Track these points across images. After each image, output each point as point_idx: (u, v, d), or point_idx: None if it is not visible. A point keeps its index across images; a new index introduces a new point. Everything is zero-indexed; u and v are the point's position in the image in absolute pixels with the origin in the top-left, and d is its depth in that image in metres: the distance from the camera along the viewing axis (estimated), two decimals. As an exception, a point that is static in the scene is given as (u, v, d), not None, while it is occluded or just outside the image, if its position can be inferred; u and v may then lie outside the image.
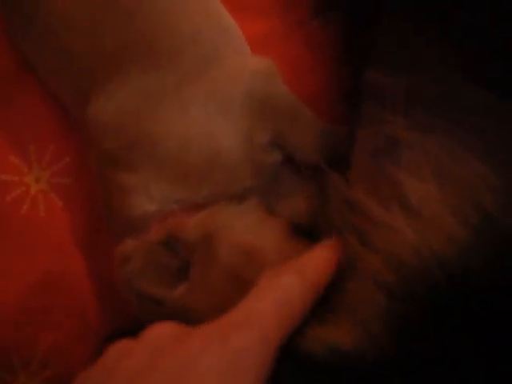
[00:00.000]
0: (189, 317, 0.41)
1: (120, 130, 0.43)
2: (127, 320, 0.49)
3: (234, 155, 0.43)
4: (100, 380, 0.34)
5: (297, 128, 0.45)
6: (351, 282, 0.39)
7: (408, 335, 0.34)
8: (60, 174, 0.51)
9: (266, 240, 0.43)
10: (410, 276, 0.35)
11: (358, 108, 0.46)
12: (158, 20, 0.42)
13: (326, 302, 0.40)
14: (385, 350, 0.34)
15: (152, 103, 0.42)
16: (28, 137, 0.51)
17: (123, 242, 0.43)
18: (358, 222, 0.41)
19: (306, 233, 0.45)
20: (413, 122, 0.41)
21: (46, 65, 0.47)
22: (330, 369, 0.35)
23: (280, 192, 0.46)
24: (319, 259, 0.38)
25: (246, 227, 0.43)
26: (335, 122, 0.48)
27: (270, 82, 0.45)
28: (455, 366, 0.33)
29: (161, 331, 0.35)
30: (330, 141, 0.46)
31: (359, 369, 0.34)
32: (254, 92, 0.43)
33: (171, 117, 0.42)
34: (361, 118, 0.46)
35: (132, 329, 0.50)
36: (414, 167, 0.40)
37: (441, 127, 0.40)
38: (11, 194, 0.50)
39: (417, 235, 0.37)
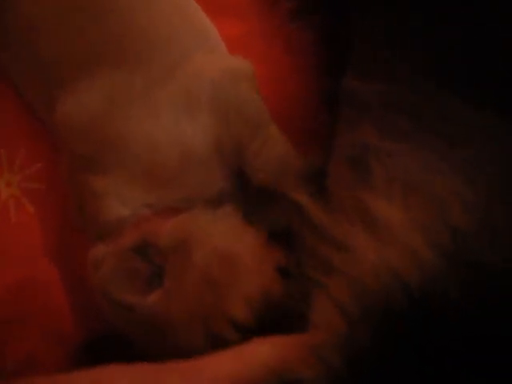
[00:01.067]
0: (160, 324, 0.41)
1: (88, 134, 0.42)
2: (103, 326, 0.48)
3: (204, 156, 0.42)
4: None
5: (260, 140, 0.44)
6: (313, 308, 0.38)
7: (367, 367, 0.32)
8: (31, 179, 0.49)
9: (241, 246, 0.42)
10: (370, 301, 0.33)
11: (337, 113, 0.46)
12: (128, 20, 0.42)
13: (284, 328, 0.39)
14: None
15: (120, 106, 0.42)
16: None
17: (95, 247, 0.41)
18: (320, 245, 0.40)
19: (282, 240, 0.45)
20: (387, 132, 0.40)
21: (15, 68, 0.47)
22: None
23: (256, 201, 0.46)
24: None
25: (223, 233, 0.42)
26: (315, 126, 0.48)
27: (240, 83, 0.44)
28: None
29: None
30: (289, 168, 0.45)
31: None
32: (221, 90, 0.43)
33: (140, 119, 0.41)
34: (339, 124, 0.45)
35: (108, 335, 0.49)
36: (383, 182, 0.38)
37: (416, 137, 0.39)
38: (-19, 199, 0.49)
39: (378, 256, 0.35)
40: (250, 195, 0.45)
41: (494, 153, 0.37)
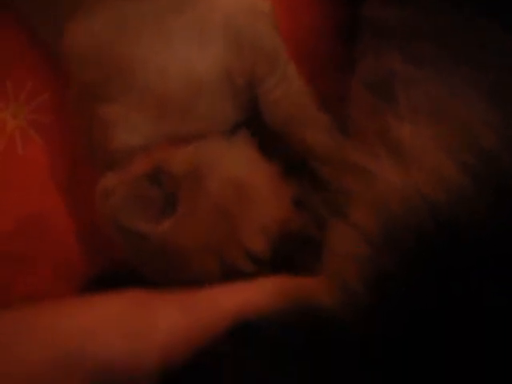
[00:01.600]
0: (173, 253, 0.40)
1: (97, 62, 0.40)
2: (111, 261, 0.47)
3: (214, 87, 0.41)
4: None
5: (274, 72, 0.42)
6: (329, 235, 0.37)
7: (390, 292, 0.31)
8: (39, 111, 0.48)
9: (257, 176, 0.41)
10: (395, 224, 0.32)
11: (355, 42, 0.44)
12: None
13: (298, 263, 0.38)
14: (364, 311, 0.31)
15: (131, 34, 0.40)
16: (4, 72, 0.48)
17: (104, 177, 0.40)
18: (339, 173, 0.39)
19: (297, 173, 0.44)
20: (412, 58, 0.39)
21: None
22: (302, 328, 0.32)
23: (271, 134, 0.44)
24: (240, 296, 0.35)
25: (237, 162, 0.41)
26: (331, 56, 0.46)
27: (257, 18, 0.42)
28: (442, 322, 0.30)
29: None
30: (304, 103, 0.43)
31: (335, 328, 0.31)
32: (236, 24, 0.41)
33: (151, 47, 0.40)
34: (360, 51, 0.44)
35: (117, 270, 0.48)
36: (408, 107, 0.37)
37: (442, 63, 0.38)
38: (-13, 131, 0.48)
39: (405, 180, 0.34)
40: (265, 128, 0.44)
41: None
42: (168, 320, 0.33)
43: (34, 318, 0.31)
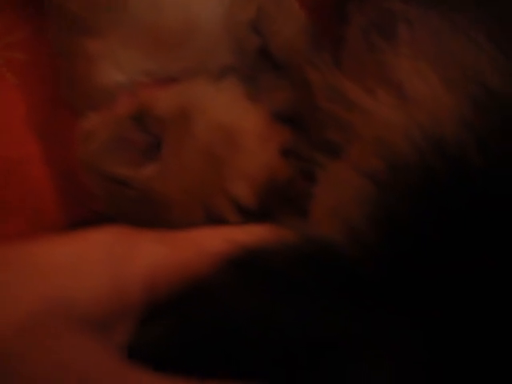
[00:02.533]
0: (156, 200, 0.38)
1: None
2: (87, 211, 0.45)
3: (211, 27, 0.39)
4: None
5: (280, 15, 0.41)
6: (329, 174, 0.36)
7: (397, 230, 0.30)
8: (14, 49, 0.45)
9: (245, 122, 0.39)
10: (399, 161, 0.31)
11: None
12: None
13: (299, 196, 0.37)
14: (369, 248, 0.30)
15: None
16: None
17: (87, 117, 0.38)
18: (340, 110, 0.38)
19: (286, 122, 0.42)
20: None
21: None
22: (307, 260, 0.31)
23: (261, 84, 0.42)
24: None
25: (226, 106, 0.39)
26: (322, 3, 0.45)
27: None
28: (450, 261, 0.29)
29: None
30: (308, 40, 0.42)
31: (338, 263, 0.31)
32: None
33: None
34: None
35: (91, 220, 0.46)
36: (409, 43, 0.36)
37: (446, 3, 0.37)
38: (-46, 69, 0.45)
39: (406, 117, 0.33)
40: (256, 73, 0.42)
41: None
42: (151, 253, 0.31)
43: (7, 257, 0.29)
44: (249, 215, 0.39)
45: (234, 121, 0.39)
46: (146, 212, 0.38)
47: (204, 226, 0.37)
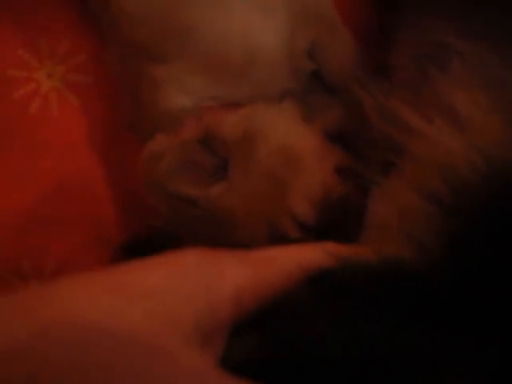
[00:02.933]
0: (222, 218, 0.40)
1: (151, 19, 0.40)
2: (143, 227, 0.47)
3: (273, 54, 0.41)
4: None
5: (334, 41, 0.43)
6: (384, 191, 0.38)
7: (463, 250, 0.31)
8: (75, 71, 0.47)
9: (303, 142, 0.41)
10: (463, 185, 0.33)
11: (395, 16, 0.44)
12: None
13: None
14: (437, 267, 0.32)
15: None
16: (39, 30, 0.47)
17: (154, 139, 0.40)
18: (394, 132, 0.39)
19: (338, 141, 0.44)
20: (465, 29, 0.39)
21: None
22: (387, 281, 0.33)
23: (312, 105, 0.44)
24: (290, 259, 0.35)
25: (285, 128, 0.41)
26: (368, 31, 0.46)
27: None
28: None
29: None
30: (359, 64, 0.44)
31: (414, 282, 0.32)
32: None
33: (210, 7, 0.39)
34: (401, 24, 0.44)
35: (150, 237, 0.48)
36: (464, 76, 0.38)
37: (493, 35, 0.38)
38: (19, 91, 0.47)
39: (465, 143, 0.35)
40: (308, 95, 0.44)
41: None
42: (236, 274, 0.33)
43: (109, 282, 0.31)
44: (308, 231, 0.41)
45: (293, 142, 0.40)
46: (211, 229, 0.40)
47: (270, 244, 0.39)
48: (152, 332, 0.28)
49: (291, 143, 0.40)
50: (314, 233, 0.41)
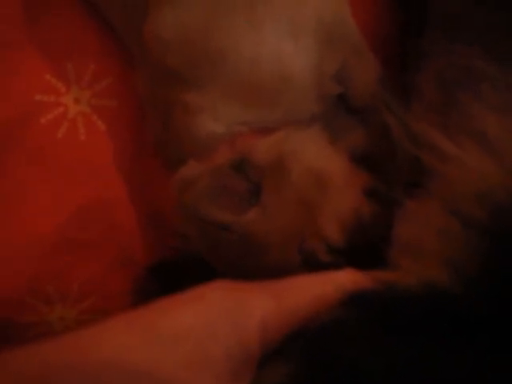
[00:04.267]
0: (255, 243, 0.40)
1: (184, 46, 0.40)
2: (169, 251, 0.47)
3: (304, 80, 0.41)
4: None
5: (360, 65, 0.44)
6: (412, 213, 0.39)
7: (503, 275, 0.32)
8: (102, 96, 0.47)
9: (332, 166, 0.41)
10: (501, 210, 0.33)
11: (421, 39, 0.45)
12: None
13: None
14: (478, 291, 0.32)
15: (221, 19, 0.40)
16: (66, 55, 0.47)
17: (186, 165, 0.40)
18: (422, 155, 0.40)
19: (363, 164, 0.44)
20: (493, 54, 0.40)
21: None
22: (426, 304, 0.33)
23: (337, 127, 0.45)
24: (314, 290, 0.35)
25: (315, 152, 0.41)
26: (393, 55, 0.47)
27: (341, 9, 0.43)
28: None
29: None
30: (385, 87, 0.45)
31: (454, 307, 0.32)
32: (325, 18, 0.41)
33: (241, 34, 0.40)
34: (427, 48, 0.44)
35: (174, 260, 0.48)
36: (494, 100, 0.38)
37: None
38: (47, 116, 0.47)
39: (499, 169, 0.35)
40: (335, 119, 0.44)
41: None
42: (261, 306, 0.33)
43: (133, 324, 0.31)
44: (338, 254, 0.41)
45: (322, 165, 0.41)
46: (244, 255, 0.40)
47: (298, 272, 0.39)
48: (189, 379, 0.29)
49: (321, 166, 0.41)
50: (344, 256, 0.41)
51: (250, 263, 0.40)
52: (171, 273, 0.48)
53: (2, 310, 0.46)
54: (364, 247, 0.41)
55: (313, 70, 0.41)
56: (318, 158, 0.41)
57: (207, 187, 0.39)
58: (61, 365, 0.29)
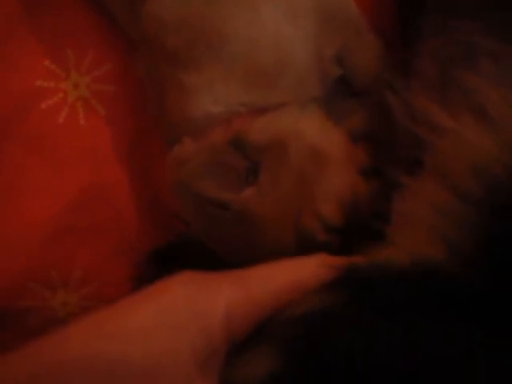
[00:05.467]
0: (251, 221, 0.39)
1: (183, 27, 0.40)
2: (167, 235, 0.47)
3: (302, 62, 0.41)
4: None
5: (361, 45, 0.44)
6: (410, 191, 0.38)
7: (500, 251, 0.31)
8: (102, 81, 0.47)
9: (331, 144, 0.41)
10: (497, 185, 0.33)
11: (419, 16, 0.44)
12: None
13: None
14: (472, 265, 0.31)
15: (219, 3, 0.40)
16: (65, 41, 0.47)
17: (182, 143, 0.40)
18: (422, 131, 0.39)
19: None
20: (492, 29, 0.39)
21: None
22: (417, 282, 0.32)
23: (337, 108, 0.44)
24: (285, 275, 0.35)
25: (314, 131, 0.41)
26: (392, 32, 0.46)
27: None
28: None
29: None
30: (384, 66, 0.44)
31: (446, 284, 0.32)
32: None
33: (240, 15, 0.40)
34: (425, 25, 0.44)
35: (172, 244, 0.48)
36: (493, 75, 0.38)
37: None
38: (47, 102, 0.47)
39: (495, 140, 0.35)
40: (335, 100, 0.44)
41: None
42: (227, 296, 0.33)
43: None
44: (334, 233, 0.40)
45: (320, 144, 0.40)
46: (240, 235, 0.40)
47: (298, 249, 0.39)
48: (153, 374, 0.29)
49: (318, 144, 0.40)
50: (339, 235, 0.41)
51: (245, 244, 0.40)
52: (171, 258, 0.48)
53: (3, 295, 0.46)
54: (360, 226, 0.41)
55: (312, 52, 0.41)
56: (316, 137, 0.41)
57: (204, 164, 0.39)
58: (23, 377, 0.29)
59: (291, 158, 0.39)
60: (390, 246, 0.36)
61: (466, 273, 0.32)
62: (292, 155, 0.39)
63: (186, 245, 0.47)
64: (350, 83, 0.43)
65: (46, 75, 0.47)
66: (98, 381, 0.29)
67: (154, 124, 0.44)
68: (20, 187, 0.47)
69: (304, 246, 0.40)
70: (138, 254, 0.47)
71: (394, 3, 0.47)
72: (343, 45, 0.42)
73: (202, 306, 0.32)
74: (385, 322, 0.31)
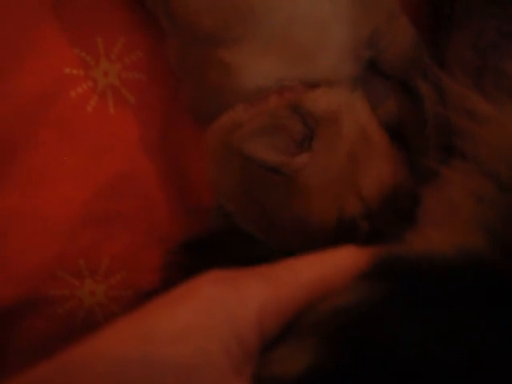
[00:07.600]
0: (299, 192, 0.39)
1: (215, 7, 0.40)
2: (196, 226, 0.47)
3: (339, 40, 0.41)
4: None
5: (394, 29, 0.43)
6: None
7: None
8: (132, 69, 0.47)
9: (375, 130, 0.41)
10: None
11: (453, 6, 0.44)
12: None
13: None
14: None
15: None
16: (95, 28, 0.47)
17: (233, 109, 0.40)
18: (458, 118, 0.39)
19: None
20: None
21: None
22: (463, 272, 0.32)
23: (371, 95, 0.44)
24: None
25: (366, 114, 0.41)
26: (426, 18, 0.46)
27: None
28: None
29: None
30: (418, 52, 0.44)
31: (492, 275, 0.31)
32: None
33: None
34: (460, 14, 0.43)
35: (201, 236, 0.48)
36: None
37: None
38: (76, 90, 0.47)
39: None
40: (370, 86, 0.43)
41: None
42: (257, 295, 0.32)
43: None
44: (373, 218, 0.40)
45: (369, 126, 0.41)
46: (285, 202, 0.39)
47: (335, 231, 0.38)
48: (188, 375, 0.28)
49: (367, 125, 0.41)
50: (377, 222, 0.40)
51: (289, 214, 0.40)
52: (202, 249, 0.48)
53: (32, 283, 0.46)
54: (394, 215, 0.41)
55: (348, 31, 0.41)
56: (367, 120, 0.41)
57: (262, 126, 0.38)
58: None
59: (344, 132, 0.39)
60: (427, 236, 0.36)
61: (509, 262, 0.31)
62: (345, 132, 0.39)
63: (216, 237, 0.47)
64: (380, 66, 0.43)
65: (76, 63, 0.47)
66: (133, 382, 0.28)
67: (185, 111, 0.44)
68: (50, 174, 0.46)
69: (342, 232, 0.39)
70: (168, 244, 0.47)
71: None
72: (376, 26, 0.42)
73: (234, 306, 0.31)
74: (436, 314, 0.30)
